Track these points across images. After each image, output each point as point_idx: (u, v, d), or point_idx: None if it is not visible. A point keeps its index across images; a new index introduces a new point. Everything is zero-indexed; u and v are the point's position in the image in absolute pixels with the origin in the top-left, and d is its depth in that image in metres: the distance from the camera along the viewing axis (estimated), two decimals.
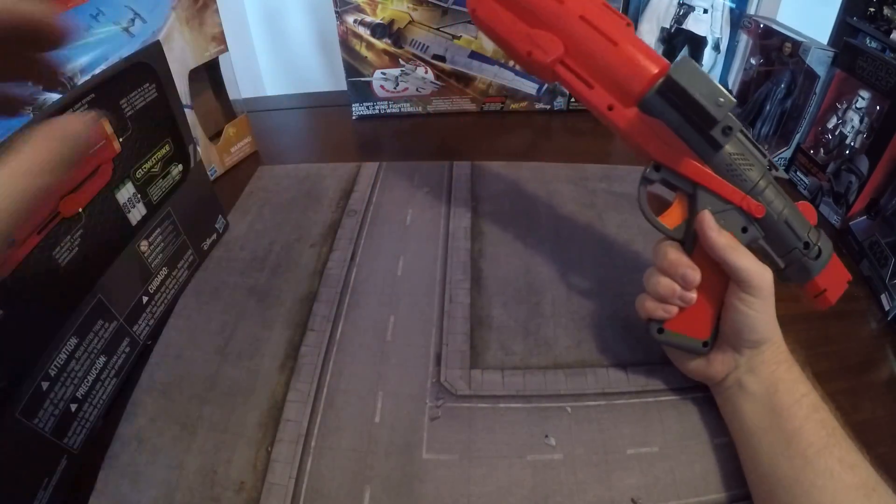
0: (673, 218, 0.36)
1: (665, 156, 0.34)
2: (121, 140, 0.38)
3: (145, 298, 0.42)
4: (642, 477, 0.34)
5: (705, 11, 0.70)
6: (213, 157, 0.64)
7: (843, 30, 0.67)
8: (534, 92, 0.74)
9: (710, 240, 0.33)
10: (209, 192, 0.51)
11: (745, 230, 0.34)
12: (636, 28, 0.72)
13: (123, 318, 0.39)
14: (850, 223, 0.53)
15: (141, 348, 0.41)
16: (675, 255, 0.34)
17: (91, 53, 0.47)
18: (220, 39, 0.61)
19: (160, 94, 0.42)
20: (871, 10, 0.64)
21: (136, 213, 0.40)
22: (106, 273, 0.37)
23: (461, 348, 0.42)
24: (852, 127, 0.54)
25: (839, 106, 0.56)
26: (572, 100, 0.76)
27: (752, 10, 0.71)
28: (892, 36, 0.60)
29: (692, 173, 0.34)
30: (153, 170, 0.42)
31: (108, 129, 0.37)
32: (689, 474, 0.34)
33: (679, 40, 0.72)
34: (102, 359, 0.37)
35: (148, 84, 0.41)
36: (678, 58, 0.31)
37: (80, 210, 0.35)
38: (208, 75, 0.64)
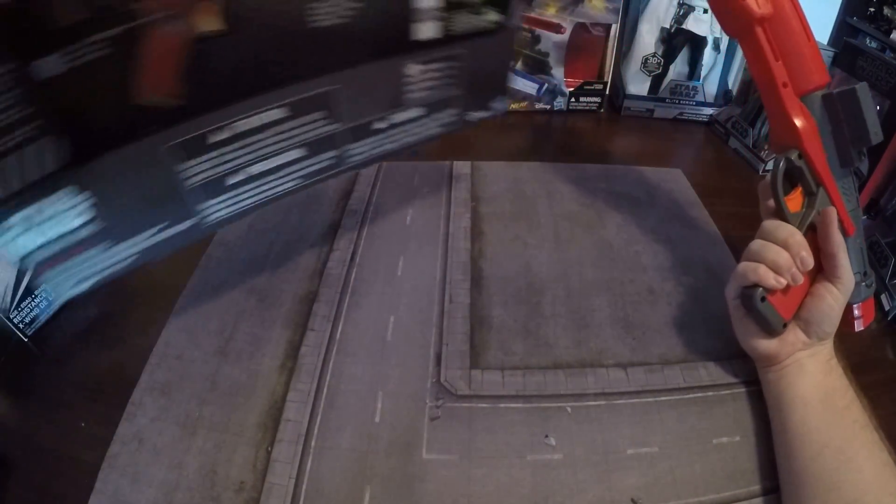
0: (794, 204, 0.38)
1: (809, 145, 0.37)
2: None
3: (378, 125, 0.36)
4: (642, 477, 0.34)
5: (705, 11, 0.70)
6: None
7: (843, 30, 0.67)
8: (534, 92, 0.74)
9: (830, 235, 0.36)
10: (506, 64, 0.45)
11: (823, 205, 0.37)
12: (636, 28, 0.72)
13: (346, 128, 0.34)
14: None
15: (342, 171, 0.36)
16: (800, 237, 0.36)
17: None
18: None
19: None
20: (871, 10, 0.64)
21: (427, 31, 0.35)
22: (356, 68, 0.33)
23: (461, 348, 0.42)
24: None
25: None
26: (572, 99, 0.76)
27: None
28: (892, 36, 0.60)
29: (824, 174, 0.37)
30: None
31: None
32: (689, 474, 0.34)
33: (679, 40, 0.72)
34: (297, 152, 0.32)
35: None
36: (860, 84, 0.36)
37: None
38: None
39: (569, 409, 0.38)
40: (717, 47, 0.72)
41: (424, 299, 0.46)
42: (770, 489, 0.33)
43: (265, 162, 0.34)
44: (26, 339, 0.45)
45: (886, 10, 0.63)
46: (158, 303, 0.46)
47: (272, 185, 0.35)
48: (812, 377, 0.36)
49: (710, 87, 0.74)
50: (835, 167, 0.38)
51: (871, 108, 0.36)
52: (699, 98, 0.75)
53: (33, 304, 0.45)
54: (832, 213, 0.36)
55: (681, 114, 0.76)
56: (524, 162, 0.64)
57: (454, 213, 0.56)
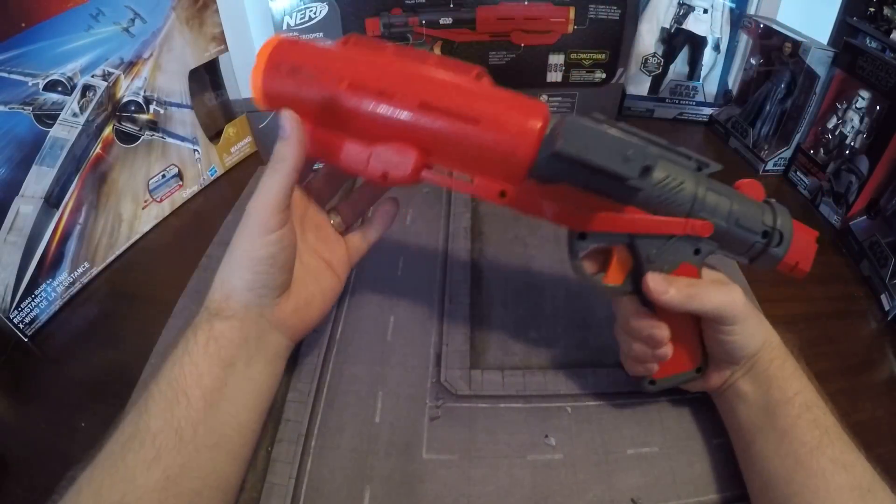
0: (617, 273, 0.33)
1: (584, 221, 0.30)
2: (574, 27, 0.60)
3: None
4: (642, 477, 0.34)
5: (705, 11, 0.70)
6: (213, 157, 0.64)
7: (843, 30, 0.67)
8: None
9: (665, 303, 0.31)
10: (610, 114, 0.65)
11: (697, 252, 0.31)
12: (636, 28, 0.72)
13: None
14: (850, 223, 0.53)
15: None
16: (635, 321, 0.33)
17: (91, 53, 0.47)
18: (220, 39, 0.61)
19: (620, 18, 0.60)
20: (871, 10, 0.64)
21: (554, 76, 0.64)
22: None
23: (461, 348, 0.42)
24: (852, 127, 0.54)
25: (839, 106, 0.56)
26: None
27: (752, 10, 0.71)
28: (892, 36, 0.60)
29: (620, 226, 0.30)
30: (583, 61, 0.63)
31: (571, 15, 0.60)
32: (689, 474, 0.34)
33: (679, 40, 0.72)
34: None
35: (616, 7, 0.60)
36: (567, 122, 0.26)
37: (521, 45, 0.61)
38: (208, 75, 0.64)
39: (569, 409, 0.38)
40: (717, 47, 0.72)
41: (424, 299, 0.46)
42: None
43: None
44: (26, 339, 0.45)
45: (886, 10, 0.63)
46: (158, 303, 0.46)
47: None
48: (748, 400, 0.32)
49: (710, 87, 0.75)
50: (629, 199, 0.30)
51: (595, 144, 0.25)
52: (699, 98, 0.75)
53: (33, 304, 0.45)
54: (647, 282, 0.31)
55: (681, 114, 0.76)
56: None
57: (454, 213, 0.56)
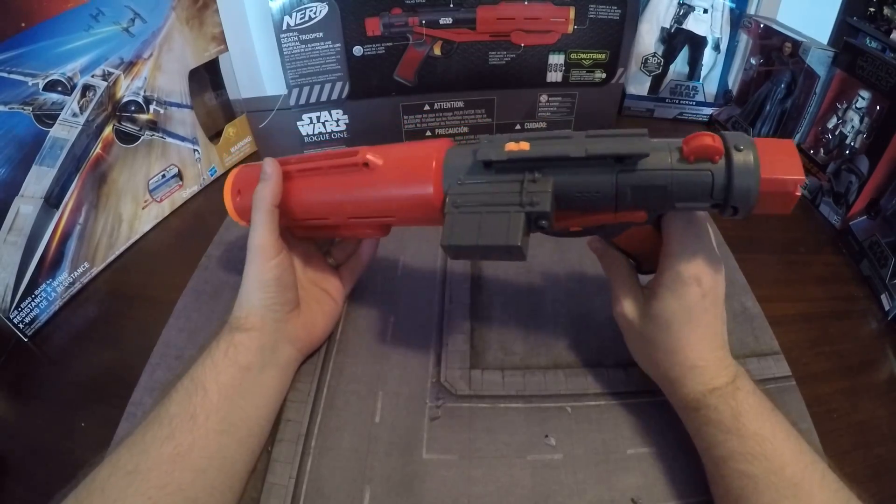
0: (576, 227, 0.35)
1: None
2: (574, 27, 0.60)
3: (517, 127, 0.67)
4: (642, 477, 0.34)
5: (705, 11, 0.70)
6: (213, 157, 0.64)
7: (843, 30, 0.67)
8: None
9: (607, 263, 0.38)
10: (611, 106, 0.68)
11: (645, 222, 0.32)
12: (636, 28, 0.72)
13: (496, 123, 0.66)
14: (850, 223, 0.53)
15: None
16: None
17: (91, 53, 0.47)
18: (220, 39, 0.61)
19: (620, 18, 0.60)
20: (871, 10, 0.64)
21: (554, 77, 0.64)
22: (509, 90, 0.63)
23: (461, 348, 0.42)
24: (852, 127, 0.54)
25: (839, 106, 0.56)
26: None
27: (752, 10, 0.71)
28: (892, 36, 0.60)
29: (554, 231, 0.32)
30: (583, 61, 0.63)
31: (571, 15, 0.59)
32: (689, 474, 0.34)
33: (679, 40, 0.72)
34: (465, 129, 0.67)
35: (616, 7, 0.59)
36: (446, 214, 0.31)
37: (521, 45, 0.61)
38: (208, 75, 0.64)
39: (569, 409, 0.38)
40: (717, 47, 0.72)
41: (424, 299, 0.46)
42: None
43: (446, 128, 0.65)
44: (26, 339, 0.45)
45: (886, 10, 0.63)
46: (158, 303, 0.46)
47: None
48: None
49: (710, 87, 0.74)
50: (543, 228, 0.31)
51: (471, 233, 0.30)
52: (699, 98, 0.75)
53: (33, 304, 0.45)
54: (588, 244, 0.38)
55: (681, 114, 0.76)
56: None
57: None
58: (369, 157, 0.34)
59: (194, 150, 0.61)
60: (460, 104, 0.64)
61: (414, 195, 0.34)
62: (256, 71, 0.58)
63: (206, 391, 0.32)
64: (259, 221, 0.36)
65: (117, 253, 0.53)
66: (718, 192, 0.28)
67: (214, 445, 0.31)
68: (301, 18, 0.56)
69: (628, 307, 0.36)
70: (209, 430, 0.31)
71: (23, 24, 0.41)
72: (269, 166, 0.37)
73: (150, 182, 0.55)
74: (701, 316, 0.32)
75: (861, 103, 0.53)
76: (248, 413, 0.34)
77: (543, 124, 0.67)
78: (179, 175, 0.59)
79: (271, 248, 0.36)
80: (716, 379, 0.32)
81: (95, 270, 0.51)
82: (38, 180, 0.44)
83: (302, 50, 0.57)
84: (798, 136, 0.62)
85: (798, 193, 0.27)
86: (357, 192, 0.36)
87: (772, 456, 0.28)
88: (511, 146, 0.31)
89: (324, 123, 0.62)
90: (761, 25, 0.66)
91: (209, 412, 0.31)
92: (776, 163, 0.27)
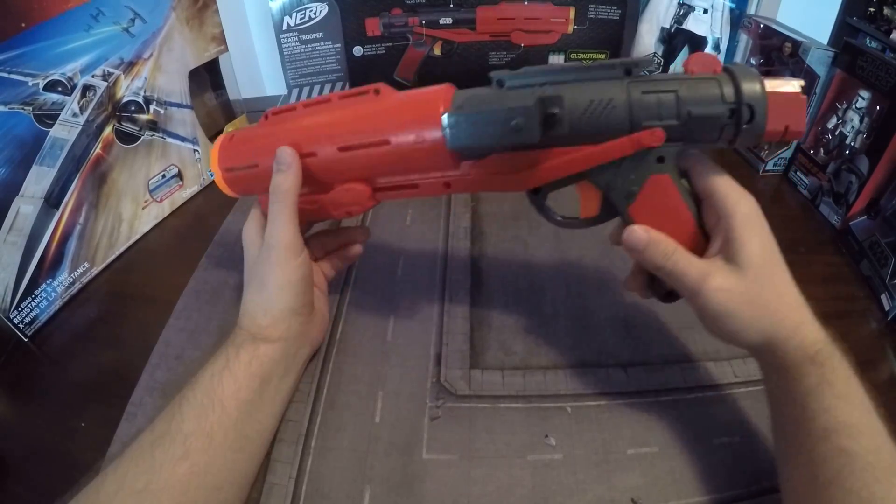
0: (589, 206, 0.32)
1: (529, 179, 0.30)
2: (574, 27, 0.61)
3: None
4: (642, 477, 0.34)
5: (705, 11, 0.70)
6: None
7: (843, 30, 0.67)
8: None
9: (641, 260, 0.31)
10: None
11: (660, 159, 0.29)
12: (636, 28, 0.72)
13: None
14: (850, 223, 0.53)
15: None
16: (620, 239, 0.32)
17: (91, 53, 0.47)
18: (220, 39, 0.61)
19: (620, 18, 0.61)
20: (871, 10, 0.64)
21: None
22: None
23: (461, 348, 0.42)
24: (852, 127, 0.54)
25: (839, 106, 0.56)
26: None
27: (752, 10, 0.71)
28: (892, 36, 0.60)
29: (564, 171, 0.29)
30: (583, 61, 0.62)
31: (571, 15, 0.60)
32: (689, 474, 0.34)
33: (679, 40, 0.72)
34: None
35: (616, 7, 0.60)
36: (451, 111, 0.28)
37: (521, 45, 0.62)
38: (208, 75, 0.64)
39: (569, 409, 0.38)
40: (717, 47, 0.72)
41: (424, 299, 0.46)
42: (770, 489, 0.33)
43: None
44: (26, 339, 0.45)
45: (886, 10, 0.63)
46: (158, 303, 0.46)
47: None
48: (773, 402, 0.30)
49: None
50: (558, 140, 0.28)
51: (480, 120, 0.27)
52: None
53: (33, 304, 0.45)
54: (625, 236, 0.30)
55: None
56: None
57: (454, 213, 0.56)
58: (382, 85, 0.32)
59: (194, 150, 0.61)
60: None
61: (421, 115, 0.30)
62: (256, 71, 0.58)
63: (224, 408, 0.30)
64: (282, 216, 0.32)
65: (117, 253, 0.53)
66: (729, 94, 0.27)
67: (231, 463, 0.30)
68: (301, 18, 0.56)
69: (719, 275, 0.29)
70: (226, 447, 0.30)
71: (23, 24, 0.41)
72: (288, 155, 0.33)
73: (150, 182, 0.56)
74: (776, 250, 0.30)
75: (861, 103, 0.53)
76: (265, 425, 0.33)
77: None
78: (179, 175, 0.59)
79: (296, 245, 0.33)
80: (821, 331, 0.29)
81: (95, 270, 0.51)
82: (38, 180, 0.44)
83: (302, 50, 0.57)
84: None
85: (804, 97, 0.27)
86: (363, 112, 0.32)
87: (872, 433, 0.25)
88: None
89: None
90: (761, 25, 0.66)
91: (227, 430, 0.30)
92: (782, 115, 0.28)
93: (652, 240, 0.30)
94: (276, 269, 0.33)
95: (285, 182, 0.33)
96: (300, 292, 0.33)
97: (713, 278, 0.29)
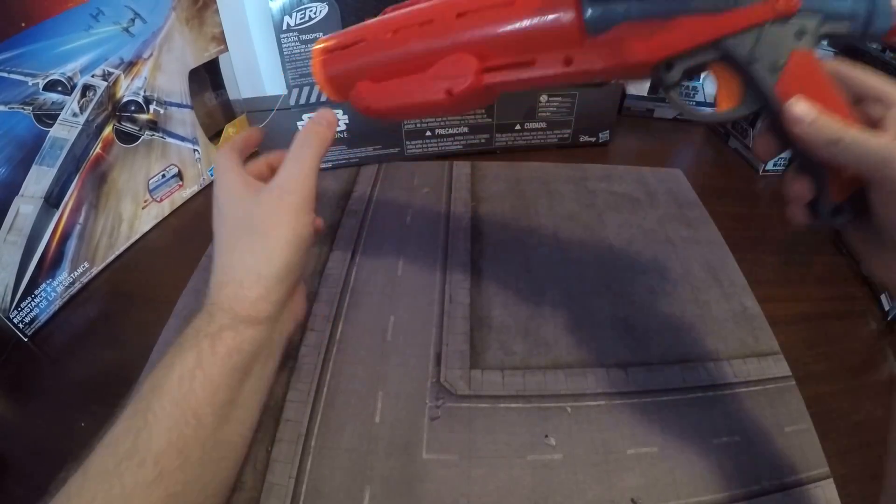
0: (728, 97, 0.28)
1: (660, 48, 0.27)
2: None
3: (517, 126, 0.65)
4: (642, 477, 0.34)
5: None
6: (213, 157, 0.64)
7: None
8: None
9: (802, 135, 0.25)
10: (612, 108, 0.68)
11: (800, 34, 0.26)
12: None
13: (496, 122, 0.65)
14: None
15: (489, 150, 0.65)
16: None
17: (91, 53, 0.47)
18: (220, 39, 0.61)
19: None
20: None
21: None
22: None
23: (461, 348, 0.42)
24: None
25: None
26: None
27: None
28: None
29: (698, 37, 0.26)
30: None
31: None
32: (689, 474, 0.34)
33: None
34: (465, 129, 0.65)
35: None
36: None
37: None
38: (208, 75, 0.64)
39: (569, 409, 0.38)
40: None
41: (424, 299, 0.46)
42: (770, 489, 0.33)
43: (446, 128, 0.64)
44: (26, 339, 0.45)
45: None
46: (158, 303, 0.46)
47: (446, 143, 0.65)
48: None
49: (710, 88, 0.74)
50: (685, 13, 0.26)
51: None
52: (699, 98, 0.75)
53: (33, 304, 0.45)
54: (789, 108, 0.25)
55: (681, 114, 0.76)
56: (524, 162, 0.64)
57: (454, 213, 0.56)
58: None
59: (194, 150, 0.61)
60: None
61: None
62: (256, 71, 0.58)
63: (199, 419, 0.25)
64: (311, 161, 0.28)
65: (117, 253, 0.53)
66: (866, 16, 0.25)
67: (211, 475, 0.26)
68: (301, 18, 0.56)
69: None
70: (205, 462, 0.26)
71: (23, 24, 0.41)
72: (330, 114, 0.31)
73: (150, 182, 0.56)
74: None
75: None
76: (247, 423, 0.29)
77: (544, 124, 0.67)
78: (179, 175, 0.59)
79: (313, 198, 0.28)
80: None
81: (95, 270, 0.51)
82: (38, 180, 0.44)
83: (302, 50, 0.57)
84: None
85: None
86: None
87: None
88: None
89: None
90: None
91: (204, 442, 0.26)
92: None
93: (821, 110, 0.25)
94: (288, 217, 0.27)
95: (323, 131, 0.30)
96: (303, 254, 0.28)
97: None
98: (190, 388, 0.25)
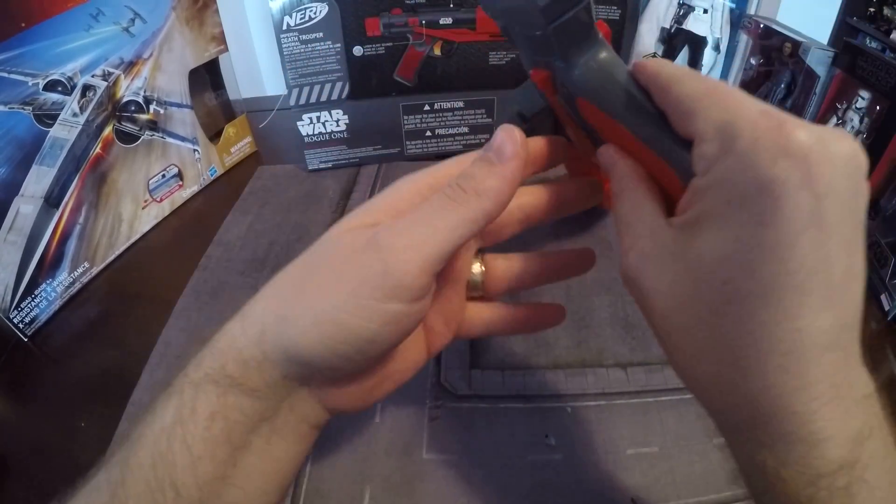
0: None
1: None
2: None
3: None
4: (642, 477, 0.34)
5: (705, 11, 0.70)
6: (213, 157, 0.64)
7: (843, 30, 0.67)
8: None
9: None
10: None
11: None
12: (636, 28, 0.72)
13: (496, 123, 0.63)
14: None
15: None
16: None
17: (91, 53, 0.47)
18: (220, 39, 0.61)
19: (620, 18, 0.59)
20: (871, 10, 0.64)
21: None
22: (507, 90, 0.61)
23: (461, 348, 0.42)
24: (852, 127, 0.54)
25: (839, 106, 0.56)
26: None
27: (752, 10, 0.71)
28: (892, 36, 0.60)
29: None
30: None
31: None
32: (689, 474, 0.34)
33: (679, 40, 0.72)
34: (464, 129, 0.65)
35: (616, 7, 0.58)
36: None
37: None
38: (208, 75, 0.64)
39: (569, 409, 0.38)
40: (717, 47, 0.72)
41: None
42: None
43: (446, 128, 0.64)
44: (26, 339, 0.45)
45: (886, 10, 0.63)
46: (158, 303, 0.46)
47: (446, 143, 0.65)
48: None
49: None
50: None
51: None
52: None
53: (33, 303, 0.45)
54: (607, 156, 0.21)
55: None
56: None
57: None
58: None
59: (194, 150, 0.61)
60: (460, 104, 0.63)
61: None
62: (256, 71, 0.58)
63: (178, 491, 0.20)
64: (451, 225, 0.20)
65: (117, 253, 0.53)
66: None
67: None
68: (301, 18, 0.56)
69: (651, 261, 0.20)
70: None
71: (23, 24, 0.41)
72: (512, 135, 0.22)
73: (150, 182, 0.56)
74: (805, 243, 0.15)
75: (861, 103, 0.53)
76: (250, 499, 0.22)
77: None
78: (179, 175, 0.59)
79: (426, 279, 0.20)
80: (839, 435, 0.16)
81: (95, 270, 0.51)
82: (38, 180, 0.44)
83: (302, 50, 0.57)
84: None
85: None
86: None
87: None
88: None
89: (324, 123, 0.62)
90: (761, 25, 0.66)
91: None
92: None
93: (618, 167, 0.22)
94: (357, 286, 0.20)
95: (499, 183, 0.21)
96: (385, 341, 0.20)
97: (636, 247, 0.21)
98: (168, 447, 0.20)
